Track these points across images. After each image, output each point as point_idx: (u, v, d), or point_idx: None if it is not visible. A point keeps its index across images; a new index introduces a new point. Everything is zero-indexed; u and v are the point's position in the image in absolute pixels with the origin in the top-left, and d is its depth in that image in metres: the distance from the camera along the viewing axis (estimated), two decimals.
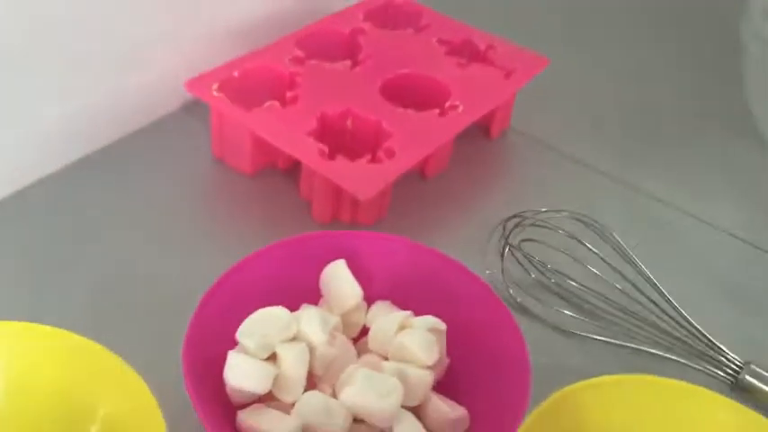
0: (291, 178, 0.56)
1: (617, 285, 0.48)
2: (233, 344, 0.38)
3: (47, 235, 0.50)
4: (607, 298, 0.48)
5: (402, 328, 0.40)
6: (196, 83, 0.55)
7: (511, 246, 0.50)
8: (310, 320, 0.39)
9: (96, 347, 0.35)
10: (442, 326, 0.40)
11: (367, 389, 0.36)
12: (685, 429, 0.37)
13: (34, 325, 0.36)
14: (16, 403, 0.35)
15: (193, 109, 0.61)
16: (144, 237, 0.51)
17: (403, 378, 0.38)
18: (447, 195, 0.57)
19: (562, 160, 0.62)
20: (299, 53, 0.59)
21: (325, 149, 0.51)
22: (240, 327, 0.37)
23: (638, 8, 0.85)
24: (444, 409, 0.38)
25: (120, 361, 0.35)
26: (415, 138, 0.53)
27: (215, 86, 0.54)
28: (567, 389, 0.37)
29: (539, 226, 0.51)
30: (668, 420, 0.37)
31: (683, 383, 0.38)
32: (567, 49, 0.72)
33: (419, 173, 0.58)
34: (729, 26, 0.62)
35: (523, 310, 0.48)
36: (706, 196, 0.60)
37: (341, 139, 0.54)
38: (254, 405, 0.37)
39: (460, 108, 0.56)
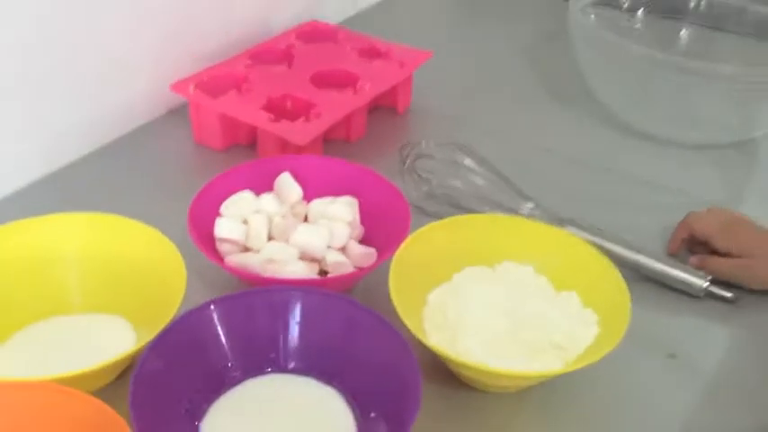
0: (251, 149, 0.78)
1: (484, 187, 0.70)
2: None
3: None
4: (479, 196, 0.70)
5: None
6: (178, 85, 0.77)
7: (408, 167, 0.72)
8: (269, 201, 0.60)
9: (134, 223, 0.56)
10: (355, 201, 0.62)
11: (309, 233, 0.58)
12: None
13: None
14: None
15: (177, 112, 0.84)
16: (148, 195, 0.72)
17: (331, 228, 0.59)
18: (367, 151, 0.80)
19: (448, 120, 0.85)
20: (250, 62, 0.82)
21: (272, 116, 0.73)
22: (223, 203, 0.59)
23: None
24: (358, 248, 0.60)
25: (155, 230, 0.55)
26: (335, 107, 0.76)
27: (191, 86, 0.77)
28: (427, 226, 0.58)
29: (427, 155, 0.73)
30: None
31: (504, 216, 0.61)
32: (451, 45, 0.97)
33: (344, 139, 0.80)
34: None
35: (422, 210, 0.70)
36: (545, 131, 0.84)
37: (283, 115, 0.77)
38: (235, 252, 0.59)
39: (367, 87, 0.79)
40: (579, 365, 0.50)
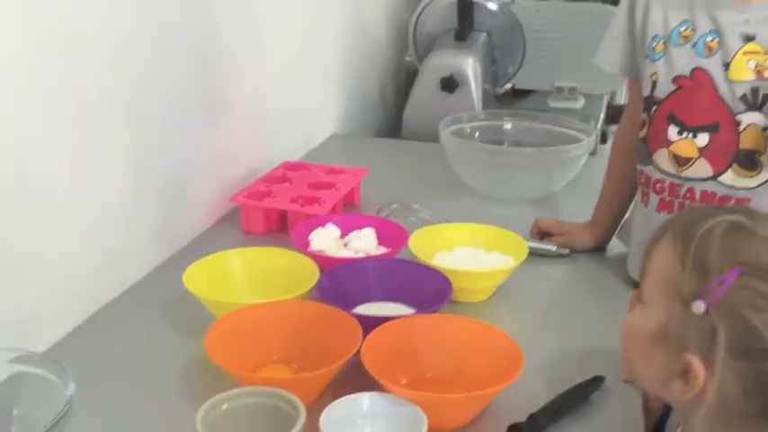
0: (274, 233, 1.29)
1: None
2: None
3: None
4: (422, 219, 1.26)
5: None
6: (234, 197, 1.28)
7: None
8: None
9: None
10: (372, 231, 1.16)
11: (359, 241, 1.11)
12: None
13: None
14: None
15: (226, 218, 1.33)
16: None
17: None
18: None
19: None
20: (266, 184, 1.35)
21: (299, 205, 1.26)
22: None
23: None
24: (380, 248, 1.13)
25: None
26: (329, 199, 1.30)
27: (244, 195, 1.28)
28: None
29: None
30: None
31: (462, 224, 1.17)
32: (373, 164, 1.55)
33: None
34: None
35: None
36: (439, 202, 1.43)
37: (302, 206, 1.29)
38: None
39: (342, 187, 1.34)
40: (516, 265, 1.06)
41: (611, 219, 1.25)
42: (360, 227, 1.17)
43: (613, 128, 1.87)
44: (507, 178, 1.45)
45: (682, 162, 1.07)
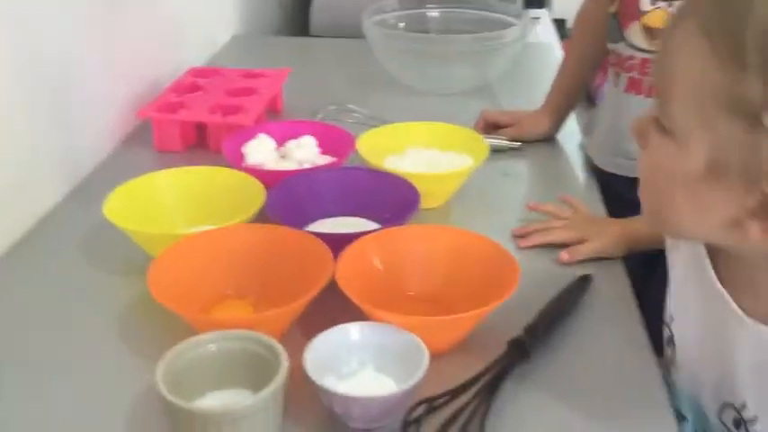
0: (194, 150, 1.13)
1: None
2: None
3: None
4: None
5: None
6: (143, 111, 1.10)
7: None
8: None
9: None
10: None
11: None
12: None
13: None
14: None
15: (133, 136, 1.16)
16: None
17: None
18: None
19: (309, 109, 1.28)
20: (176, 95, 1.17)
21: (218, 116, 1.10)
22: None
23: None
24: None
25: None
26: (252, 106, 1.14)
27: (153, 108, 1.11)
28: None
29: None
30: None
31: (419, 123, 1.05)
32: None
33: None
34: None
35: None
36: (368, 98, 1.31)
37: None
38: None
39: (253, 97, 1.19)
40: (477, 164, 0.96)
41: (566, 103, 1.17)
42: (297, 135, 1.03)
43: (536, 12, 1.78)
44: (440, 70, 1.33)
45: (654, 35, 0.98)
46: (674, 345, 0.73)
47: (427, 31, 1.44)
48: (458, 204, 0.99)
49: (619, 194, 1.03)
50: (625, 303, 0.82)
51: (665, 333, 0.75)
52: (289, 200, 0.86)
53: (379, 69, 1.38)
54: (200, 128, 1.13)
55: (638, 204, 0.92)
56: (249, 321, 0.68)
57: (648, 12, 0.98)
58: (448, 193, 0.98)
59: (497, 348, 0.71)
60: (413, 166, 0.97)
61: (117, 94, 1.16)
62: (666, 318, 0.75)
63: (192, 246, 0.77)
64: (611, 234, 0.89)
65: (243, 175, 0.89)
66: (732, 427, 0.66)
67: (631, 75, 1.02)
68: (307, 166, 0.97)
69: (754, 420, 0.63)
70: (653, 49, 0.98)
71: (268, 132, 1.03)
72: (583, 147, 1.16)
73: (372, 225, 0.86)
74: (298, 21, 1.97)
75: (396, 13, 1.44)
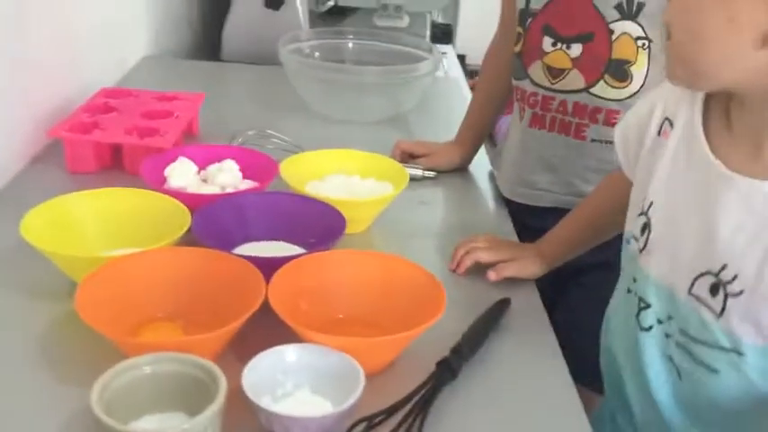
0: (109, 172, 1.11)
1: None
2: None
3: None
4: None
5: None
6: (54, 130, 1.07)
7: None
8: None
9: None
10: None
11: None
12: None
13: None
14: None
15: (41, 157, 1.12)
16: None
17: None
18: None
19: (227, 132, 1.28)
20: (89, 115, 1.15)
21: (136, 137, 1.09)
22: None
23: None
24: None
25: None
26: (171, 128, 1.13)
27: (65, 128, 1.08)
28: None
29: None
30: None
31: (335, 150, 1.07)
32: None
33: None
34: None
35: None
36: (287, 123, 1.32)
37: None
38: None
39: (170, 119, 1.18)
40: (399, 191, 0.98)
41: (477, 136, 1.22)
42: (218, 159, 1.03)
43: (443, 47, 1.85)
44: (354, 100, 1.36)
45: (555, 74, 1.05)
46: (649, 230, 0.74)
47: (342, 62, 1.47)
48: (378, 230, 1.01)
49: (523, 222, 1.09)
50: (539, 321, 0.87)
51: (637, 225, 0.76)
52: (214, 224, 0.86)
53: (295, 96, 1.40)
54: (115, 149, 1.11)
55: (540, 231, 0.99)
56: (184, 344, 0.67)
57: (549, 53, 1.05)
58: (370, 220, 1.00)
59: (425, 368, 0.74)
60: (334, 192, 0.99)
61: (23, 113, 1.12)
62: (642, 208, 0.76)
63: (121, 268, 0.76)
64: (529, 254, 0.94)
65: (167, 198, 0.88)
66: (707, 296, 0.68)
67: (534, 111, 1.09)
68: (230, 190, 0.97)
69: (732, 280, 0.66)
70: (554, 87, 1.05)
71: (188, 156, 1.02)
72: (492, 176, 1.22)
73: (298, 250, 0.87)
74: (208, 45, 1.96)
75: (311, 43, 1.46)
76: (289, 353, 0.68)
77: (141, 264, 0.77)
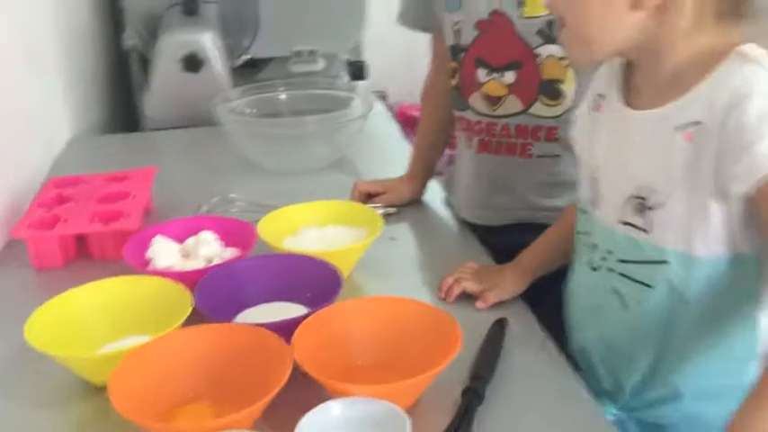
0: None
1: None
2: None
3: None
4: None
5: None
6: (16, 231, 1.06)
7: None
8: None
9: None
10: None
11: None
12: None
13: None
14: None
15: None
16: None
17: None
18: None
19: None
20: (45, 209, 1.13)
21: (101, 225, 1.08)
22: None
23: None
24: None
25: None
26: (133, 209, 1.13)
27: (26, 226, 1.06)
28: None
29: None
30: None
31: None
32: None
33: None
34: None
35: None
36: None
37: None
38: None
39: (129, 200, 1.18)
40: (376, 235, 1.02)
41: (426, 169, 1.27)
42: (193, 232, 1.04)
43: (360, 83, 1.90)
44: (297, 150, 1.39)
45: (493, 101, 1.12)
46: (596, 186, 0.86)
47: (278, 114, 1.49)
48: (360, 274, 1.05)
49: (486, 242, 1.15)
50: (534, 333, 0.93)
51: (587, 186, 0.88)
52: (215, 297, 0.88)
53: (237, 154, 1.41)
54: (79, 239, 1.10)
55: (504, 247, 1.05)
56: (221, 425, 0.68)
57: (485, 83, 1.12)
58: (351, 266, 1.03)
59: (448, 397, 0.78)
60: (315, 244, 1.02)
61: None
62: (591, 170, 0.87)
63: (145, 356, 0.76)
64: (508, 276, 1.00)
65: (166, 280, 0.89)
66: (635, 217, 0.80)
67: (481, 137, 1.15)
68: (216, 261, 0.98)
69: (651, 196, 0.78)
70: (495, 113, 1.12)
71: (165, 233, 1.03)
72: (448, 202, 1.27)
73: (300, 307, 0.89)
74: (126, 115, 1.95)
75: (244, 99, 1.48)
76: (334, 408, 0.70)
77: (163, 349, 0.77)
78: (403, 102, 3.85)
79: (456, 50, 1.13)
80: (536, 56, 1.08)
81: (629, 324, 0.84)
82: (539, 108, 1.11)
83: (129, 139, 1.68)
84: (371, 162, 1.45)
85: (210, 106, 1.40)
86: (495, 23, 1.09)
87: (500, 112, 1.12)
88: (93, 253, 1.09)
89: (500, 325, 0.91)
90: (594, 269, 0.87)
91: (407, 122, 3.71)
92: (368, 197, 1.24)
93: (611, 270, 0.84)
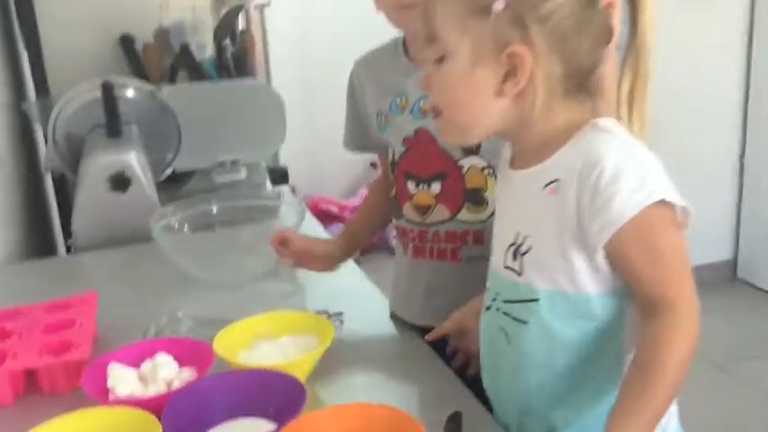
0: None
1: None
2: None
3: None
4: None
5: None
6: None
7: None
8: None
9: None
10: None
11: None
12: None
13: None
14: None
15: None
16: None
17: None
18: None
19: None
20: None
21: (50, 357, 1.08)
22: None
23: None
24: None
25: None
26: (83, 337, 1.14)
27: None
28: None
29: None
30: None
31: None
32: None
33: None
34: None
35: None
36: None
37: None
38: None
39: (75, 328, 1.19)
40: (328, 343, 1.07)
41: (352, 240, 1.34)
42: (147, 356, 1.06)
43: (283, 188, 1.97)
44: (234, 262, 1.43)
45: (423, 210, 1.21)
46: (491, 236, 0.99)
47: (212, 226, 1.54)
48: (316, 380, 1.08)
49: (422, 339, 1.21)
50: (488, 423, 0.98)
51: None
52: (182, 420, 0.90)
53: (172, 269, 1.43)
54: (27, 374, 1.09)
55: (439, 348, 1.13)
56: None
57: (415, 194, 1.21)
58: (308, 372, 1.07)
59: None
60: (273, 357, 1.06)
61: None
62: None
63: None
64: (473, 321, 1.05)
65: (128, 409, 0.90)
66: (512, 262, 0.91)
67: (415, 244, 1.24)
68: (176, 382, 1.00)
69: (523, 242, 0.89)
70: (426, 221, 1.21)
71: (119, 360, 1.04)
72: (391, 307, 1.32)
73: (266, 423, 0.92)
74: (40, 239, 1.94)
75: (178, 216, 1.52)
76: None
77: None
78: (313, 194, 3.96)
79: (393, 165, 1.22)
80: (460, 167, 1.17)
81: (511, 360, 0.93)
82: (465, 214, 1.19)
83: (57, 264, 1.67)
84: None
85: (144, 225, 1.43)
86: (420, 140, 1.19)
87: (429, 220, 1.21)
88: (44, 387, 1.08)
89: (455, 418, 0.97)
90: (488, 309, 0.96)
91: (320, 215, 3.83)
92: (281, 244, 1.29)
93: (497, 309, 0.94)
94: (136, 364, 1.05)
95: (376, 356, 1.19)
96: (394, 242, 1.32)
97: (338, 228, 4.30)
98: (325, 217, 3.95)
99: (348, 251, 1.35)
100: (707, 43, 3.23)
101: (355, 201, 4.11)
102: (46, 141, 1.87)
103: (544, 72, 0.82)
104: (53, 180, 2.13)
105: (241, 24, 2.17)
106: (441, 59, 0.86)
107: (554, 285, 0.87)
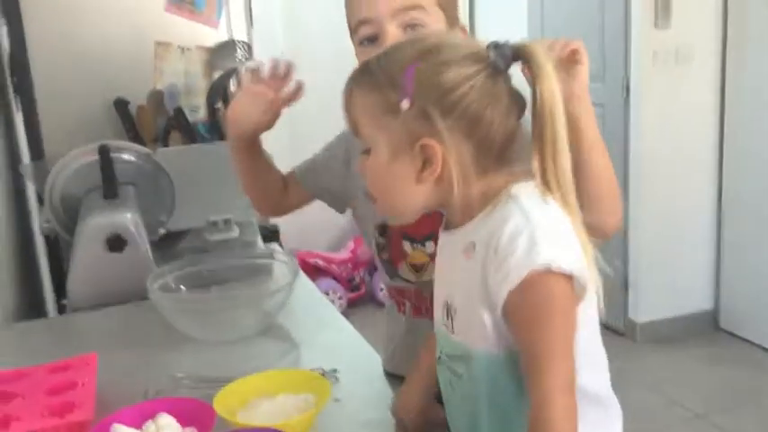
0: None
1: None
2: None
3: None
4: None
5: None
6: None
7: None
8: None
9: None
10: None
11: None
12: None
13: None
14: None
15: None
16: None
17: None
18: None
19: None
20: None
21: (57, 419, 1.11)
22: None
23: None
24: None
25: None
26: (86, 397, 1.16)
27: None
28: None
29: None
30: None
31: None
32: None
33: None
34: None
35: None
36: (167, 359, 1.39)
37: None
38: None
39: (78, 390, 1.21)
40: (325, 401, 1.10)
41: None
42: (148, 417, 1.09)
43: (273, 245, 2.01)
44: (229, 321, 1.47)
45: (418, 268, 1.26)
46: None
47: (208, 286, 1.57)
48: None
49: None
50: None
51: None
52: None
53: (169, 329, 1.46)
54: None
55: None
56: None
57: (410, 253, 1.26)
58: (307, 430, 1.11)
59: None
60: (269, 417, 1.09)
61: None
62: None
63: None
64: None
65: None
66: (447, 320, 0.95)
67: (412, 302, 1.29)
68: None
69: (452, 303, 0.94)
70: (421, 280, 1.25)
71: (123, 422, 1.07)
72: (385, 365, 1.36)
73: None
74: (32, 301, 1.96)
75: (174, 275, 1.56)
76: None
77: None
78: (299, 249, 4.00)
79: (383, 229, 1.28)
80: None
81: (452, 410, 1.00)
82: None
83: (53, 324, 1.70)
84: (302, 325, 1.54)
85: (138, 283, 1.47)
86: None
87: (425, 277, 1.26)
88: None
89: None
90: (438, 360, 1.01)
91: (308, 269, 3.86)
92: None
93: (442, 363, 0.99)
94: (138, 425, 1.08)
95: (371, 414, 1.22)
96: (380, 295, 1.37)
97: (326, 281, 4.37)
98: (313, 271, 3.99)
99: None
100: (682, 101, 3.36)
101: (342, 254, 4.17)
102: (40, 203, 1.91)
103: (455, 159, 0.88)
104: (46, 241, 2.16)
105: (233, 86, 2.23)
106: (367, 151, 0.93)
107: (472, 345, 0.92)
